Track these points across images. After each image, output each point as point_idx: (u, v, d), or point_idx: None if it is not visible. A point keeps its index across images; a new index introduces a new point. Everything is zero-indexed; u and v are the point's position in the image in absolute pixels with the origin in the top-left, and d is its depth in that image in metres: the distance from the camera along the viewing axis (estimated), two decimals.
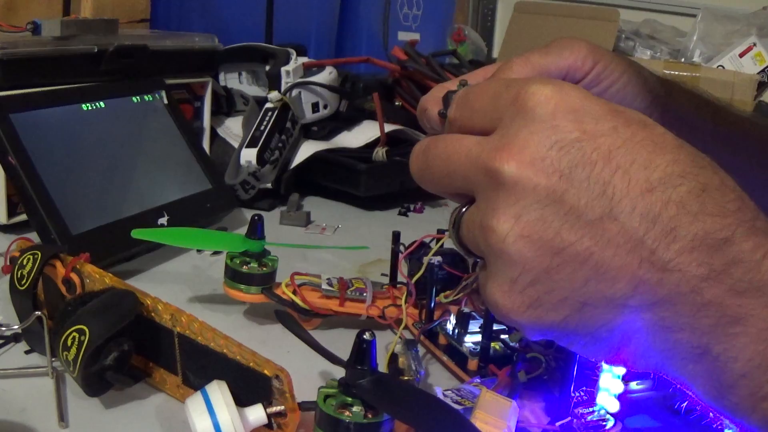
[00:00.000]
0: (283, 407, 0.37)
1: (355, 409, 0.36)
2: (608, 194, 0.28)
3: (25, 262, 0.47)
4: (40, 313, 0.44)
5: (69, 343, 0.41)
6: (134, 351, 0.43)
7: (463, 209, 0.32)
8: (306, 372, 0.46)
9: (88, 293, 0.45)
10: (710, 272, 0.27)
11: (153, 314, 0.43)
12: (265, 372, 0.37)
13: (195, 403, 0.37)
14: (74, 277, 0.46)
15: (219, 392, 0.37)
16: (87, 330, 0.41)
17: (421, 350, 0.51)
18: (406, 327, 0.53)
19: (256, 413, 0.37)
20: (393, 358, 0.45)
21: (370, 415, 0.35)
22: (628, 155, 0.28)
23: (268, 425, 0.38)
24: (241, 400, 0.38)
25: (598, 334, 0.30)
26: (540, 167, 0.28)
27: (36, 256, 0.47)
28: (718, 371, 0.28)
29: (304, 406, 0.37)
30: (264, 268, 0.52)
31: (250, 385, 0.38)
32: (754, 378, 0.27)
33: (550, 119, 0.29)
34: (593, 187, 0.28)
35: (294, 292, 0.52)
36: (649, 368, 0.31)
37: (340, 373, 0.37)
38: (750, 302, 0.27)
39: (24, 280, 0.47)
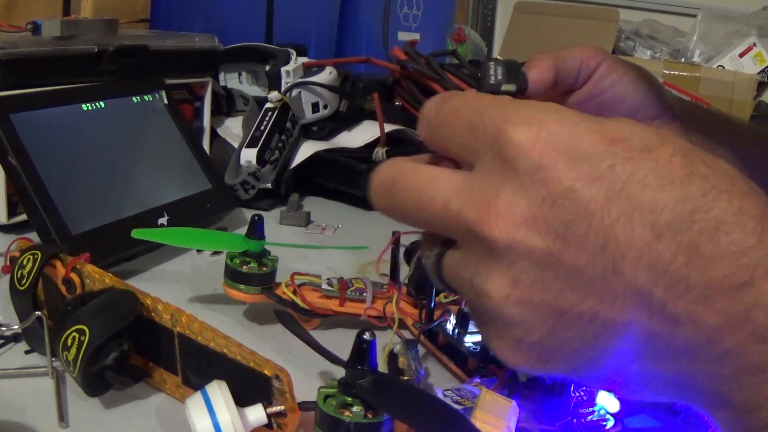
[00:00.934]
0: (283, 407, 0.37)
1: (355, 409, 0.36)
2: (610, 248, 0.25)
3: (25, 262, 0.47)
4: (40, 313, 0.44)
5: (69, 343, 0.41)
6: (134, 351, 0.43)
7: (443, 251, 0.30)
8: (306, 372, 0.46)
9: (88, 293, 0.45)
10: (728, 320, 0.25)
11: (153, 314, 0.43)
12: (265, 372, 0.37)
13: (195, 403, 0.37)
14: (74, 277, 0.46)
15: (219, 392, 0.37)
16: (87, 330, 0.41)
17: (421, 350, 0.51)
18: (405, 327, 0.53)
19: (256, 413, 0.37)
20: (393, 357, 0.45)
21: (370, 415, 0.35)
22: (630, 199, 0.25)
23: (268, 425, 0.38)
24: (241, 400, 0.38)
25: (615, 381, 0.28)
26: (532, 228, 0.26)
27: (36, 256, 0.47)
28: (742, 419, 0.26)
29: (303, 406, 0.37)
30: (264, 268, 0.52)
31: (250, 385, 0.38)
32: None
33: (536, 171, 0.26)
34: (593, 243, 0.25)
35: (294, 292, 0.52)
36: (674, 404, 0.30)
37: (340, 373, 0.37)
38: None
39: (24, 280, 0.47)
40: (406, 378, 0.44)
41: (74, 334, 0.41)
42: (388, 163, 0.30)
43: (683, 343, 0.26)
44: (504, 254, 0.26)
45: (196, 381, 0.42)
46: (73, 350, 0.41)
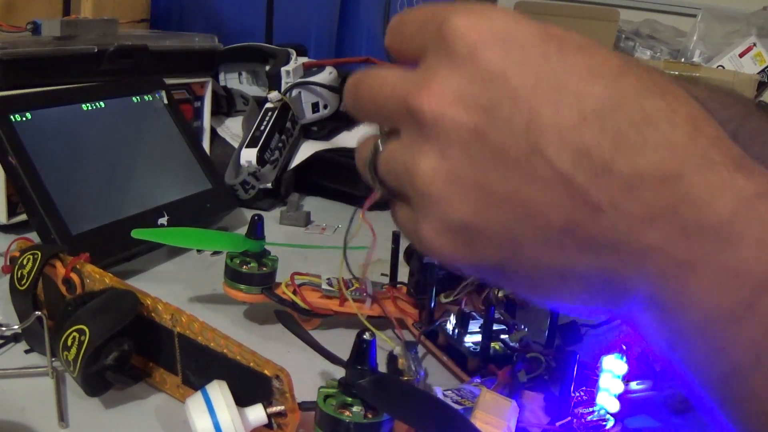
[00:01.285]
0: (283, 407, 0.37)
1: (355, 409, 0.36)
2: (534, 129, 0.25)
3: (25, 262, 0.47)
4: (40, 313, 0.44)
5: (69, 343, 0.41)
6: (134, 351, 0.43)
7: (380, 143, 0.31)
8: (306, 372, 0.46)
9: (88, 293, 0.45)
10: (654, 212, 0.25)
11: (153, 314, 0.43)
12: (266, 372, 0.37)
13: (195, 403, 0.37)
14: (74, 277, 0.46)
15: (219, 392, 0.37)
16: (87, 330, 0.41)
17: (421, 351, 0.51)
18: (405, 327, 0.53)
19: (256, 413, 0.37)
20: (392, 359, 0.45)
21: (370, 415, 0.35)
22: (558, 85, 0.25)
23: (268, 425, 0.38)
24: (241, 400, 0.38)
25: (538, 277, 0.27)
26: (461, 105, 0.26)
27: (36, 256, 0.47)
28: (667, 321, 0.26)
29: (304, 406, 0.37)
30: (264, 268, 0.52)
31: (250, 385, 0.38)
32: (713, 331, 0.25)
33: (471, 54, 0.26)
34: (518, 123, 0.25)
35: (294, 292, 0.52)
36: (601, 314, 0.29)
37: (340, 373, 0.37)
38: (701, 247, 0.24)
39: (24, 280, 0.47)
40: (406, 378, 0.44)
41: (74, 334, 0.41)
42: (358, 71, 0.32)
43: (606, 233, 0.25)
44: (433, 130, 0.27)
45: (196, 381, 0.42)
46: (73, 350, 0.41)
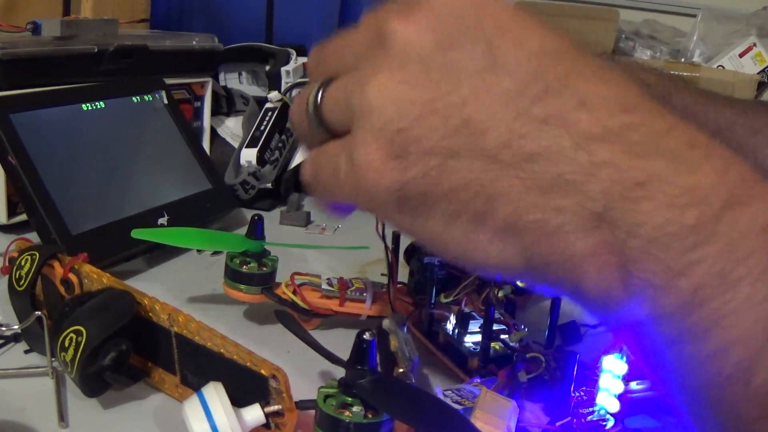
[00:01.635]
0: (280, 407, 0.37)
1: (355, 409, 0.36)
2: (493, 51, 0.26)
3: (23, 263, 0.47)
4: (39, 313, 0.44)
5: (66, 344, 0.41)
6: (133, 351, 0.43)
7: (323, 85, 0.31)
8: (306, 372, 0.46)
9: (86, 294, 0.45)
10: (603, 131, 0.25)
11: (150, 314, 0.43)
12: (262, 372, 0.37)
13: (192, 407, 0.37)
14: (72, 277, 0.46)
15: (216, 395, 0.37)
16: (84, 331, 0.41)
17: (419, 352, 0.51)
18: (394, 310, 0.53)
19: (254, 413, 0.37)
20: (382, 335, 0.43)
21: (370, 415, 0.35)
22: (520, 26, 0.27)
23: (266, 425, 0.38)
24: (239, 400, 0.38)
25: (463, 195, 0.27)
26: (429, 28, 0.27)
27: (34, 256, 0.47)
28: (619, 242, 0.24)
29: (301, 405, 0.37)
30: (264, 268, 0.52)
31: (248, 385, 0.38)
32: (667, 247, 0.24)
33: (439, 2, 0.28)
34: (480, 43, 0.27)
35: (294, 292, 0.52)
36: (529, 260, 0.26)
37: (339, 373, 0.37)
38: (652, 165, 0.24)
39: (22, 281, 0.47)
40: (400, 369, 0.44)
41: (71, 334, 0.41)
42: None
43: (545, 149, 0.25)
44: (398, 46, 0.27)
45: (194, 381, 0.42)
46: (71, 351, 0.41)
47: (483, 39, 0.27)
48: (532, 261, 0.26)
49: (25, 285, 0.46)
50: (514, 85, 0.26)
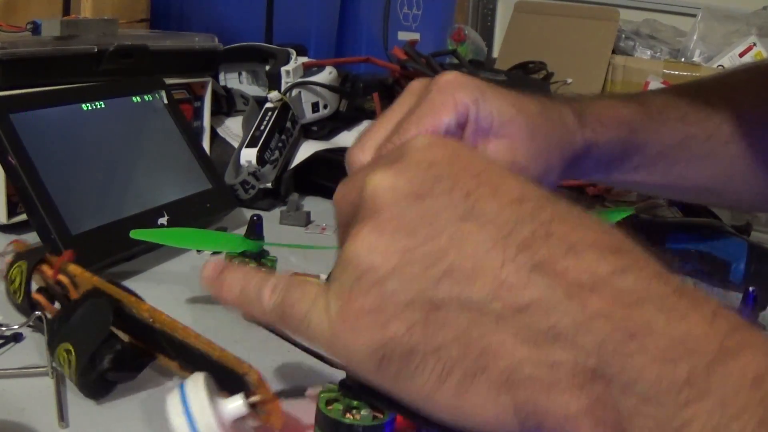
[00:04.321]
0: (260, 396, 0.37)
1: (363, 412, 0.35)
2: (471, 199, 0.26)
3: (14, 276, 0.47)
4: (40, 313, 0.44)
5: (62, 360, 0.42)
6: (134, 338, 0.43)
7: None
8: (306, 372, 0.46)
9: (72, 305, 0.45)
10: (594, 279, 0.24)
11: (135, 311, 0.43)
12: (236, 370, 0.37)
13: (172, 401, 0.37)
14: (63, 278, 0.46)
15: (194, 387, 0.37)
16: (72, 349, 0.41)
17: None
18: None
19: (235, 404, 0.37)
20: None
21: (379, 416, 0.35)
22: (496, 175, 0.27)
23: (255, 413, 0.38)
24: (229, 388, 0.38)
25: (453, 352, 0.25)
26: (405, 175, 0.27)
27: (22, 268, 0.47)
28: (613, 400, 0.24)
29: (284, 394, 0.37)
30: (263, 269, 0.52)
31: (230, 381, 0.38)
32: (661, 405, 0.23)
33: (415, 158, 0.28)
34: (456, 192, 0.26)
35: None
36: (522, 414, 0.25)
37: (337, 373, 0.37)
38: (643, 315, 0.24)
39: (18, 294, 0.48)
40: None
41: (63, 353, 0.42)
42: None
43: (535, 300, 0.24)
44: (372, 198, 0.27)
45: (189, 369, 0.42)
46: (66, 367, 0.42)
47: (459, 188, 0.27)
48: (526, 419, 0.25)
49: (21, 298, 0.47)
50: (497, 232, 0.25)
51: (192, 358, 0.41)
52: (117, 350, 0.42)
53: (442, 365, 0.25)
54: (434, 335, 0.25)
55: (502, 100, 0.41)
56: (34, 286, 0.48)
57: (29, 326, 0.47)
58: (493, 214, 0.26)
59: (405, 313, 0.26)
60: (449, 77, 0.39)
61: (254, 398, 0.37)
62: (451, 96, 0.38)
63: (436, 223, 0.26)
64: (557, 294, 0.24)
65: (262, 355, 0.47)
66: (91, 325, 0.43)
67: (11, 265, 0.48)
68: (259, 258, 0.53)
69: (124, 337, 0.43)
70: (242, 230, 0.55)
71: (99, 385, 0.42)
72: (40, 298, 0.47)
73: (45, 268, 0.47)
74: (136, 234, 0.53)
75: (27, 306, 0.47)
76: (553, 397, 0.24)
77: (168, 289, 0.58)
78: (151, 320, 0.42)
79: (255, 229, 0.52)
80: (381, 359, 0.26)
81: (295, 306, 0.29)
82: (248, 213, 0.78)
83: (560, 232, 0.25)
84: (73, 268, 0.46)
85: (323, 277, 0.53)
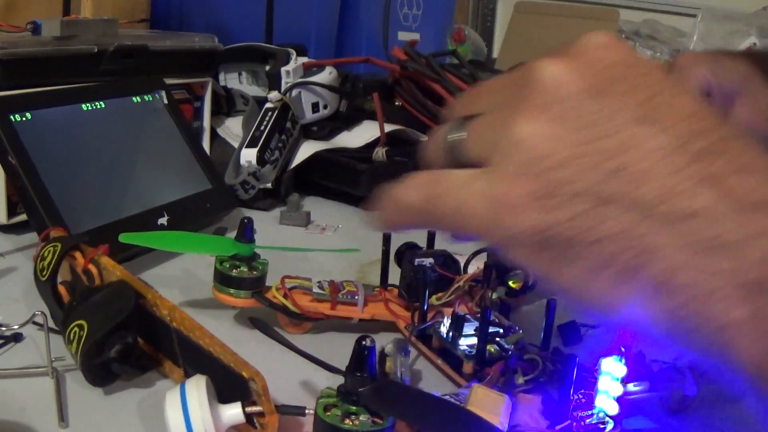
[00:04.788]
0: (260, 408, 0.37)
1: (362, 418, 0.35)
2: (647, 106, 0.26)
3: (46, 254, 0.48)
4: (40, 312, 0.44)
5: (71, 337, 0.43)
6: (145, 341, 0.44)
7: (471, 118, 0.30)
8: (305, 375, 0.46)
9: (95, 288, 0.46)
10: (763, 199, 0.25)
11: (154, 308, 0.44)
12: (243, 374, 0.37)
13: (172, 398, 0.37)
14: (92, 268, 0.47)
15: (195, 388, 0.37)
16: (86, 325, 0.42)
17: (413, 354, 0.51)
18: (397, 330, 0.53)
19: (232, 411, 0.37)
20: (382, 358, 0.44)
21: (378, 421, 0.35)
22: (673, 89, 0.27)
23: (252, 425, 0.38)
24: (226, 398, 0.38)
25: (613, 246, 0.26)
26: (580, 70, 0.27)
27: (56, 248, 0.48)
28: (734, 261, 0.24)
29: (283, 410, 0.37)
30: (254, 272, 0.52)
31: (233, 384, 0.38)
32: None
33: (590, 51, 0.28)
34: (632, 96, 0.27)
35: (285, 296, 0.51)
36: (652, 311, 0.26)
37: (332, 377, 0.37)
38: None
39: (45, 271, 0.48)
40: None
41: (75, 328, 0.42)
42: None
43: (708, 208, 0.25)
44: (548, 86, 0.27)
45: (193, 375, 0.42)
46: (74, 344, 0.42)
47: (637, 92, 0.27)
48: (679, 323, 0.25)
49: (47, 275, 0.48)
50: (671, 140, 0.26)
51: (200, 361, 0.41)
52: (127, 343, 0.42)
53: (600, 257, 0.26)
54: (597, 228, 0.26)
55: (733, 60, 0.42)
56: (59, 280, 0.49)
57: (33, 323, 0.48)
58: (669, 123, 0.26)
59: (573, 203, 0.26)
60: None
61: (254, 408, 0.37)
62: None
63: (612, 121, 0.26)
64: (725, 207, 0.25)
65: (260, 359, 0.47)
66: (110, 306, 0.43)
67: (45, 246, 0.49)
68: (251, 261, 0.52)
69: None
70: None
71: (100, 371, 0.43)
72: (62, 289, 0.48)
73: (78, 254, 0.48)
74: (125, 238, 0.53)
75: (49, 285, 0.48)
76: (712, 304, 0.24)
77: (167, 290, 0.58)
78: (168, 319, 0.42)
79: (245, 232, 0.52)
80: (541, 243, 0.27)
81: (443, 196, 0.29)
82: (248, 213, 0.78)
83: (732, 152, 0.26)
84: (105, 260, 0.47)
85: (315, 280, 0.53)
